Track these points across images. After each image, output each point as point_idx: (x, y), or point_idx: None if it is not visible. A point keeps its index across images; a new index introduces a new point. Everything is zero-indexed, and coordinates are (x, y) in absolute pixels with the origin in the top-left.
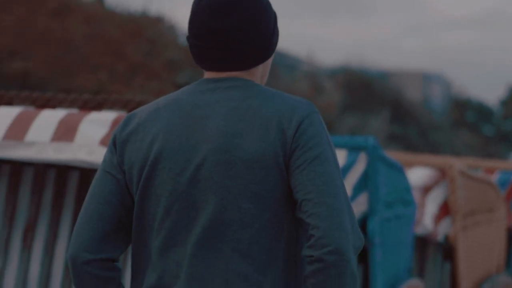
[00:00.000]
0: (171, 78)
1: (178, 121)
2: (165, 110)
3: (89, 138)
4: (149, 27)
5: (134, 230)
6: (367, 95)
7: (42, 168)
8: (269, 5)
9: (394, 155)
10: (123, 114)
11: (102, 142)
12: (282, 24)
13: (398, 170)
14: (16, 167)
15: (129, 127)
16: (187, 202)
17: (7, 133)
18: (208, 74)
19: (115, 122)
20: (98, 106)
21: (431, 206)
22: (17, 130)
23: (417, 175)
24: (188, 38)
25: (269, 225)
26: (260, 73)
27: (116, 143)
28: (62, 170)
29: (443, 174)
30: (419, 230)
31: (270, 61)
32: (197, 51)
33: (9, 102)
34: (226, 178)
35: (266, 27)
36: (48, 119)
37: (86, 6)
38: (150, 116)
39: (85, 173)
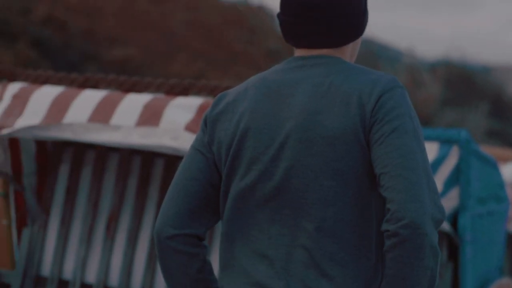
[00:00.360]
0: (270, 67)
1: (264, 100)
2: (252, 89)
3: (174, 123)
4: (250, 15)
5: (221, 208)
6: (467, 90)
7: (127, 154)
8: None
9: (489, 150)
10: (209, 99)
11: (188, 128)
12: (384, 16)
13: (492, 165)
14: (102, 153)
15: (219, 107)
16: (271, 181)
17: (92, 115)
18: (298, 52)
19: (201, 108)
20: (185, 91)
21: None
22: (103, 114)
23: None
24: (279, 15)
25: (353, 202)
26: (350, 52)
27: (207, 122)
28: (147, 157)
29: None
30: None
31: (359, 40)
32: (289, 27)
33: (95, 86)
34: (308, 156)
35: (358, 5)
36: (134, 103)
37: None
38: (239, 95)
39: (170, 160)
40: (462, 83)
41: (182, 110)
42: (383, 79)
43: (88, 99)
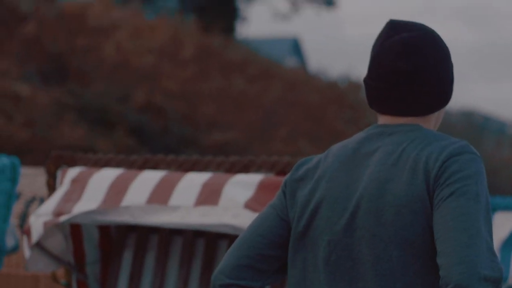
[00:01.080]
0: None
1: (340, 168)
2: (332, 156)
3: (233, 201)
4: (351, 92)
5: (289, 274)
6: None
7: (190, 237)
8: (449, 52)
9: None
10: (270, 176)
11: (247, 205)
12: (490, 88)
13: None
14: (165, 237)
15: (299, 173)
16: (343, 252)
17: (150, 197)
18: (381, 119)
19: (261, 184)
20: (245, 168)
21: None
22: (161, 194)
23: None
24: (366, 80)
25: (424, 271)
26: (434, 120)
27: (286, 189)
28: (211, 239)
29: None
30: None
31: (444, 109)
32: (375, 93)
33: (155, 167)
34: (378, 226)
35: (447, 73)
36: (192, 182)
37: (286, 72)
38: (319, 163)
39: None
40: None
41: (242, 187)
42: (453, 145)
43: (147, 181)
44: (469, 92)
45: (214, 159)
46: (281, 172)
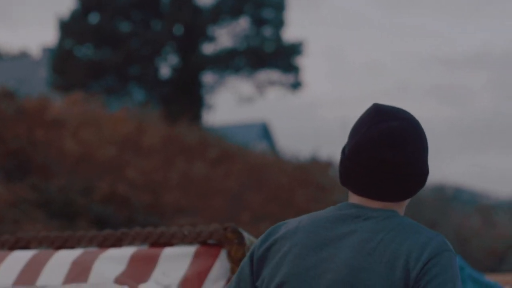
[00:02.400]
0: None
1: (310, 245)
2: (302, 231)
3: (103, 277)
4: (318, 172)
5: None
6: None
7: None
8: (427, 140)
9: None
10: (143, 248)
11: (117, 281)
12: (464, 160)
13: None
14: None
15: (266, 243)
16: None
17: (18, 278)
18: (356, 199)
19: (133, 258)
20: (118, 241)
21: None
22: (29, 274)
23: None
24: (344, 161)
25: None
26: (406, 204)
27: (253, 259)
28: None
29: None
30: None
31: None
32: (354, 176)
33: (26, 246)
34: None
35: (426, 161)
36: (62, 260)
37: (251, 155)
38: (287, 233)
39: None
40: None
41: (113, 262)
42: (432, 243)
43: (16, 260)
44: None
45: (86, 234)
46: (155, 244)
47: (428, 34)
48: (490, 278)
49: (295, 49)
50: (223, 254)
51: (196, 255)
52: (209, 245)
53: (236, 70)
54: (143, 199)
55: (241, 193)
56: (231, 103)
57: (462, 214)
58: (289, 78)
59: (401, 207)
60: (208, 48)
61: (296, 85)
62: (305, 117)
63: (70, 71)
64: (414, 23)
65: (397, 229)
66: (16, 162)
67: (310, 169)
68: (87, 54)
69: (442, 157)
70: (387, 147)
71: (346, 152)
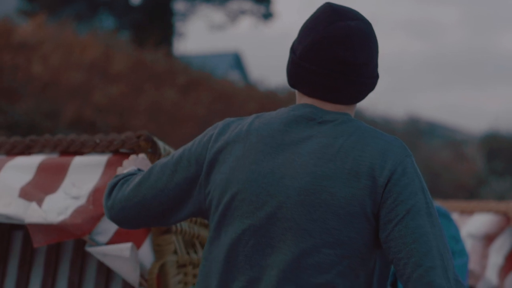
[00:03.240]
0: None
1: (265, 151)
2: (255, 134)
3: (8, 187)
4: (290, 102)
5: (207, 252)
6: None
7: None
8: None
9: (452, 204)
10: (53, 156)
11: (23, 191)
12: (437, 96)
13: (443, 217)
14: None
15: (217, 144)
16: (264, 238)
17: None
18: (307, 100)
19: (41, 167)
20: (27, 149)
21: (495, 257)
22: None
23: (477, 223)
24: (298, 61)
25: (348, 271)
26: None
27: (205, 160)
28: (5, 231)
29: (507, 220)
30: (482, 286)
31: None
32: (309, 77)
33: None
34: (309, 221)
35: (377, 62)
36: None
37: (220, 82)
38: (239, 136)
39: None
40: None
41: (20, 171)
42: (394, 149)
43: None
44: (416, 101)
45: None
46: (65, 152)
47: None
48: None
49: None
50: None
51: (108, 165)
52: (122, 154)
53: None
54: (110, 123)
55: (210, 120)
56: (202, 32)
57: (433, 148)
58: (261, 8)
59: (352, 111)
60: None
61: (267, 16)
62: (277, 47)
63: None
64: None
65: (356, 134)
66: None
67: (282, 97)
68: None
69: (414, 91)
70: (346, 46)
71: (299, 52)
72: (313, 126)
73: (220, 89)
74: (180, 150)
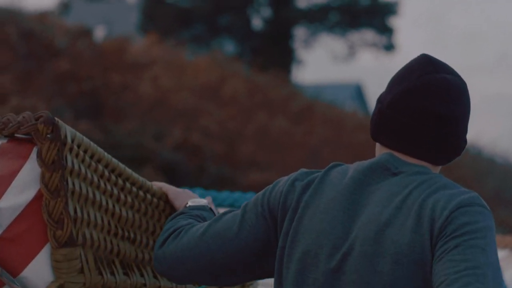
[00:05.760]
0: None
1: (336, 200)
2: (328, 183)
3: None
4: None
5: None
6: None
7: None
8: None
9: None
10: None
11: None
12: None
13: None
14: None
15: (290, 194)
16: None
17: None
18: (385, 149)
19: None
20: None
21: None
22: None
23: None
24: (385, 110)
25: None
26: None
27: (278, 209)
28: None
29: None
30: None
31: None
32: (394, 127)
33: None
34: (373, 273)
35: (467, 125)
36: None
37: (327, 108)
38: (312, 185)
39: None
40: None
41: None
42: (463, 195)
43: None
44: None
45: None
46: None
47: None
48: None
49: (389, 8)
50: (35, 154)
51: (0, 154)
52: (18, 140)
53: (329, 27)
54: (216, 149)
55: (320, 150)
56: (323, 61)
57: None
58: (382, 39)
59: (435, 171)
60: (302, 2)
61: (389, 47)
62: None
63: (160, 16)
64: None
65: (428, 183)
66: (88, 103)
67: None
68: (178, 0)
69: None
70: (441, 99)
71: (387, 101)
72: (387, 177)
73: (334, 119)
74: (253, 198)
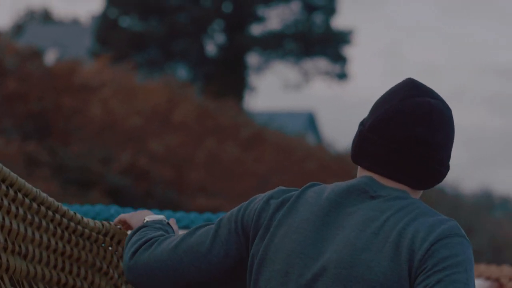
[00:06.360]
0: None
1: (310, 221)
2: (303, 203)
3: None
4: (348, 160)
5: None
6: None
7: None
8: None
9: None
10: None
11: None
12: None
13: None
14: None
15: (264, 212)
16: None
17: None
18: (367, 174)
19: None
20: None
21: None
22: None
23: None
24: (365, 133)
25: None
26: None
27: (251, 226)
28: None
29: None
30: None
31: None
32: (374, 150)
33: None
34: None
35: (450, 152)
36: None
37: (277, 136)
38: (287, 204)
39: None
40: None
41: None
42: (442, 225)
43: None
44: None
45: None
46: None
47: (484, 43)
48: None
49: (343, 37)
50: None
51: None
52: None
53: (283, 54)
54: (164, 174)
55: (269, 177)
56: (275, 89)
57: (500, 223)
58: (335, 67)
59: (416, 196)
60: (256, 29)
61: (342, 76)
62: (352, 111)
63: (113, 40)
64: (472, 31)
65: (406, 209)
66: (37, 124)
67: (348, 161)
68: (132, 24)
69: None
70: (423, 124)
71: (369, 124)
72: (364, 200)
73: (284, 147)
74: (227, 214)
